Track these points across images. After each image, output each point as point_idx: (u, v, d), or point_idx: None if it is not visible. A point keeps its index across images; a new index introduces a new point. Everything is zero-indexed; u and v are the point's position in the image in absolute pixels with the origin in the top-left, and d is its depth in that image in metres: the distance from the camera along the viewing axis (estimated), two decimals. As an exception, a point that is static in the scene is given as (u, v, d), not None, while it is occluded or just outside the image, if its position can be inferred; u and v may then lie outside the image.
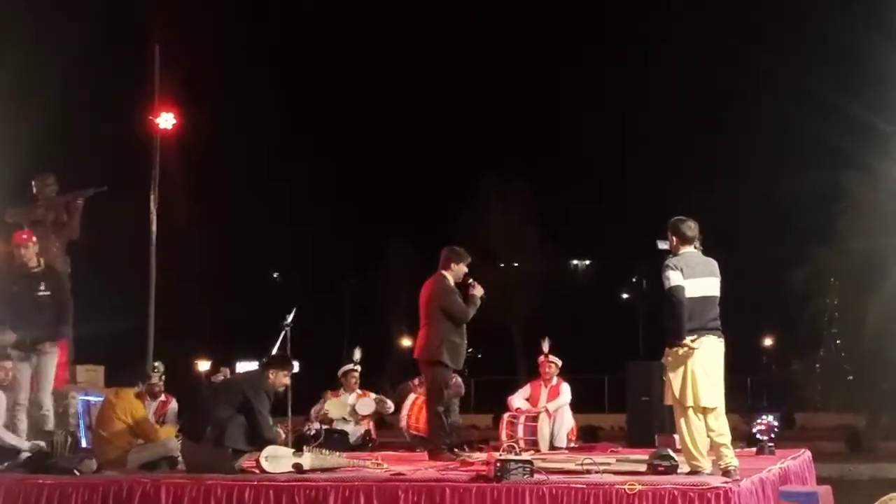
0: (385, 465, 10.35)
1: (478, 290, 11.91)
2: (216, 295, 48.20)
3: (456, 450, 11.97)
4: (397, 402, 14.97)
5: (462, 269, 11.95)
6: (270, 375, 10.54)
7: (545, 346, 14.82)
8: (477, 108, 56.29)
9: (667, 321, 9.18)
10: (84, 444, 12.26)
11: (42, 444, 11.39)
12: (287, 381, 10.71)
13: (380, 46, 56.63)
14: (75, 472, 10.06)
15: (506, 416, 14.35)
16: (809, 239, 31.91)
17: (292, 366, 10.80)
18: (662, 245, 9.57)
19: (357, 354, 15.24)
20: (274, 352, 12.15)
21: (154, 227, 20.15)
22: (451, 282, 11.90)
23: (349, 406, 14.75)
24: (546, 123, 55.97)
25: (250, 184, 51.73)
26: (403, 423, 14.54)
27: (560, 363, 14.72)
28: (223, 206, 48.35)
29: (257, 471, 9.83)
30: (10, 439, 11.20)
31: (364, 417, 14.75)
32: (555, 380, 14.65)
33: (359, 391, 14.96)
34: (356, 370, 15.02)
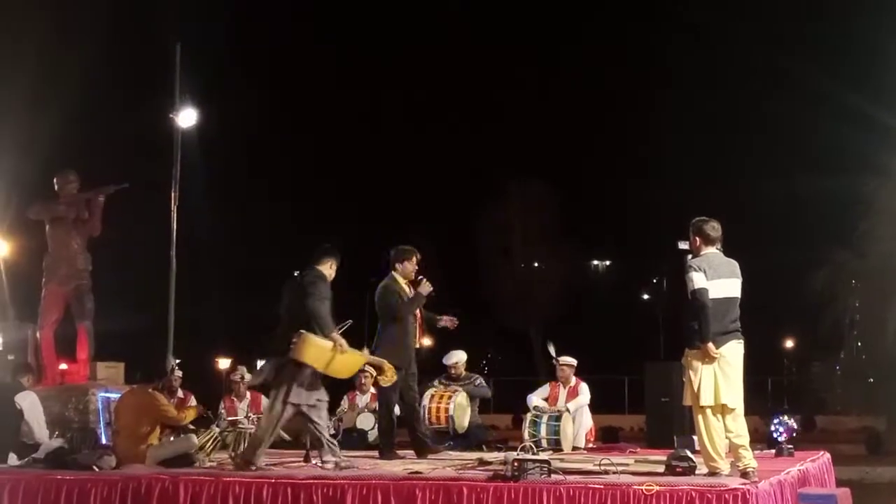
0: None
1: (424, 289, 12.12)
2: (236, 293, 48.25)
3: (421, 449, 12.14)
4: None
5: (410, 266, 12.20)
6: (327, 265, 10.75)
7: (552, 351, 14.78)
8: (499, 108, 56.29)
9: (691, 323, 9.17)
10: (104, 440, 12.29)
11: (61, 440, 11.46)
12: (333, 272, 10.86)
13: (403, 45, 56.71)
14: (94, 468, 10.11)
15: (528, 415, 14.19)
16: (831, 241, 31.76)
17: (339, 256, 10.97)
18: (683, 245, 9.55)
19: None
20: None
21: (174, 225, 20.18)
22: (401, 281, 12.16)
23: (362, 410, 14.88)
24: (568, 123, 55.88)
25: (271, 182, 51.82)
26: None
27: (574, 362, 14.65)
28: (244, 204, 48.40)
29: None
30: (43, 437, 11.31)
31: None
32: (573, 380, 14.59)
33: (373, 391, 14.97)
34: (363, 373, 15.00)
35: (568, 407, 14.15)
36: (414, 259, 12.22)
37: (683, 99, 50.42)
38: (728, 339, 9.11)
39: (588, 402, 14.50)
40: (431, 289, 12.14)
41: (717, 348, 9.01)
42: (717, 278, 9.14)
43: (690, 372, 9.18)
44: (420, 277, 12.21)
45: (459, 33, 59.46)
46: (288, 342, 10.22)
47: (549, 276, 52.46)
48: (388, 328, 12.07)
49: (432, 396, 14.03)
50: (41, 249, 14.25)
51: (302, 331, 10.14)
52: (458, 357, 14.59)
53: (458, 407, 13.73)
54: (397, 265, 12.20)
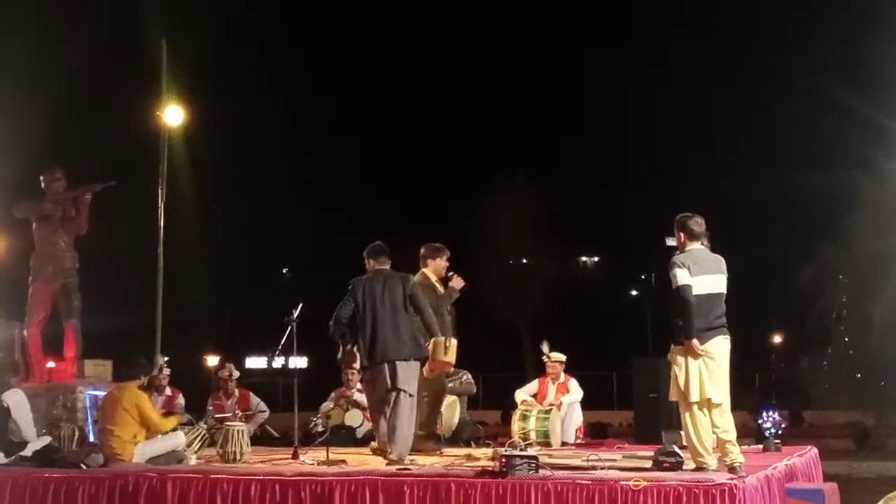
0: None
1: (457, 283, 12.21)
2: (225, 290, 48.22)
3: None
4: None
5: (442, 263, 12.24)
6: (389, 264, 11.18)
7: (545, 348, 14.79)
8: (486, 104, 56.19)
9: (675, 320, 9.19)
10: (91, 438, 12.28)
11: (49, 438, 11.45)
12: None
13: (389, 44, 56.58)
14: (82, 466, 10.09)
15: (518, 410, 14.17)
16: (817, 237, 31.88)
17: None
18: (670, 242, 9.57)
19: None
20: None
21: (161, 223, 20.11)
22: (433, 277, 12.16)
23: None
24: (556, 120, 55.84)
25: (259, 179, 51.76)
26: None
27: (563, 358, 14.67)
28: (232, 202, 48.30)
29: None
30: (31, 435, 11.30)
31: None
32: (562, 376, 14.61)
33: (359, 387, 14.91)
34: (349, 370, 14.86)
35: (562, 400, 14.19)
36: (445, 256, 12.27)
37: (672, 96, 50.42)
38: (713, 334, 9.11)
39: (581, 398, 14.56)
40: (464, 283, 12.22)
41: (701, 344, 9.02)
42: (702, 274, 9.14)
43: (676, 368, 9.20)
44: (451, 273, 12.26)
45: (451, 28, 59.54)
46: (409, 348, 10.64)
47: (537, 272, 52.42)
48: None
49: None
50: (28, 248, 14.23)
51: (439, 337, 10.78)
52: (448, 354, 14.54)
53: (448, 408, 13.71)
54: (429, 261, 12.21)
